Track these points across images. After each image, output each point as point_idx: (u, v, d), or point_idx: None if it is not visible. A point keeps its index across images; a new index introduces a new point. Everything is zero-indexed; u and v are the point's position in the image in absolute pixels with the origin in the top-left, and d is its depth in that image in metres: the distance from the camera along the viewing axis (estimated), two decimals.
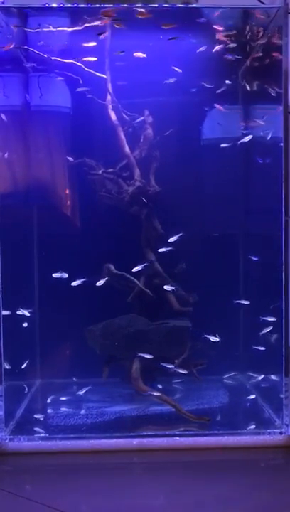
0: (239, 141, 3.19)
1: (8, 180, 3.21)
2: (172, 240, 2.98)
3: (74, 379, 3.30)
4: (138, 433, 2.70)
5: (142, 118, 3.13)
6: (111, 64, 3.08)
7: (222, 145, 3.24)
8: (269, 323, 2.89)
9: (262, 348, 3.00)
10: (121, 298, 3.09)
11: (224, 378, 3.28)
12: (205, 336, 2.97)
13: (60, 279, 3.03)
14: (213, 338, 2.95)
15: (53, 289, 3.14)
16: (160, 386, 3.06)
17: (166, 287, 3.03)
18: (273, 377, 2.90)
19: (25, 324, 3.07)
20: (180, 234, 2.98)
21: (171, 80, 3.10)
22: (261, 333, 2.93)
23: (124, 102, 3.12)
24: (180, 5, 2.88)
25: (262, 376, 3.12)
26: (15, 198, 3.31)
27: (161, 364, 2.95)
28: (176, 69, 3.09)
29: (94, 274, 3.08)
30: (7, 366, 2.71)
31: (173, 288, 3.04)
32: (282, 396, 2.73)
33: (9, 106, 3.09)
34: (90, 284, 3.00)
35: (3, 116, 2.86)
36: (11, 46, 2.84)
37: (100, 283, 2.98)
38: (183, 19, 2.90)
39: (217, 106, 3.24)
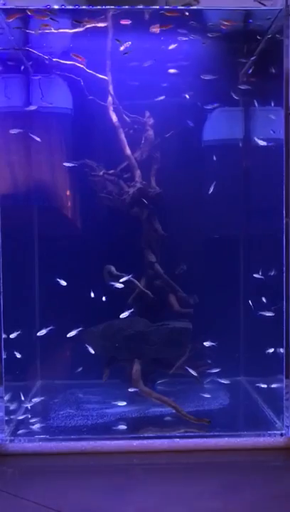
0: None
1: (10, 181, 3.22)
2: (122, 280, 2.99)
3: (81, 368, 3.27)
4: (139, 434, 2.69)
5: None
6: (112, 65, 3.08)
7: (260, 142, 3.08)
8: (269, 324, 2.89)
9: (261, 331, 3.00)
10: (121, 299, 3.09)
11: (204, 383, 3.15)
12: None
13: (60, 279, 3.03)
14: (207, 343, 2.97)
15: (54, 290, 3.14)
16: (160, 387, 3.06)
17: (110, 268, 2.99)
18: (273, 378, 2.89)
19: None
20: (130, 275, 3.00)
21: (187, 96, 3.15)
22: (259, 313, 2.94)
23: (125, 103, 3.13)
24: (181, 7, 2.88)
25: (262, 378, 3.11)
26: (17, 199, 3.31)
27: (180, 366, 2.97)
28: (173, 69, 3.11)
29: (94, 275, 3.09)
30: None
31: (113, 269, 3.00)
32: (283, 398, 2.73)
33: (10, 107, 3.09)
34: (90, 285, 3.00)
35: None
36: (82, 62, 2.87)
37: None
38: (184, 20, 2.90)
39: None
